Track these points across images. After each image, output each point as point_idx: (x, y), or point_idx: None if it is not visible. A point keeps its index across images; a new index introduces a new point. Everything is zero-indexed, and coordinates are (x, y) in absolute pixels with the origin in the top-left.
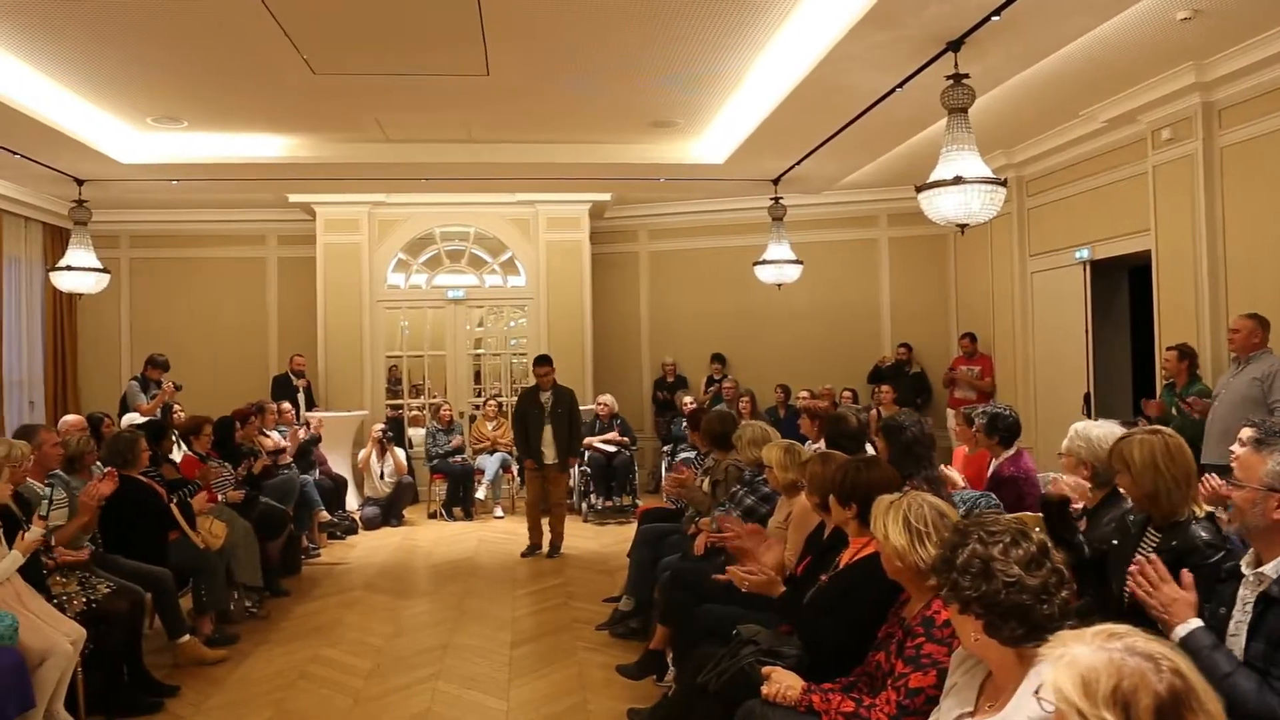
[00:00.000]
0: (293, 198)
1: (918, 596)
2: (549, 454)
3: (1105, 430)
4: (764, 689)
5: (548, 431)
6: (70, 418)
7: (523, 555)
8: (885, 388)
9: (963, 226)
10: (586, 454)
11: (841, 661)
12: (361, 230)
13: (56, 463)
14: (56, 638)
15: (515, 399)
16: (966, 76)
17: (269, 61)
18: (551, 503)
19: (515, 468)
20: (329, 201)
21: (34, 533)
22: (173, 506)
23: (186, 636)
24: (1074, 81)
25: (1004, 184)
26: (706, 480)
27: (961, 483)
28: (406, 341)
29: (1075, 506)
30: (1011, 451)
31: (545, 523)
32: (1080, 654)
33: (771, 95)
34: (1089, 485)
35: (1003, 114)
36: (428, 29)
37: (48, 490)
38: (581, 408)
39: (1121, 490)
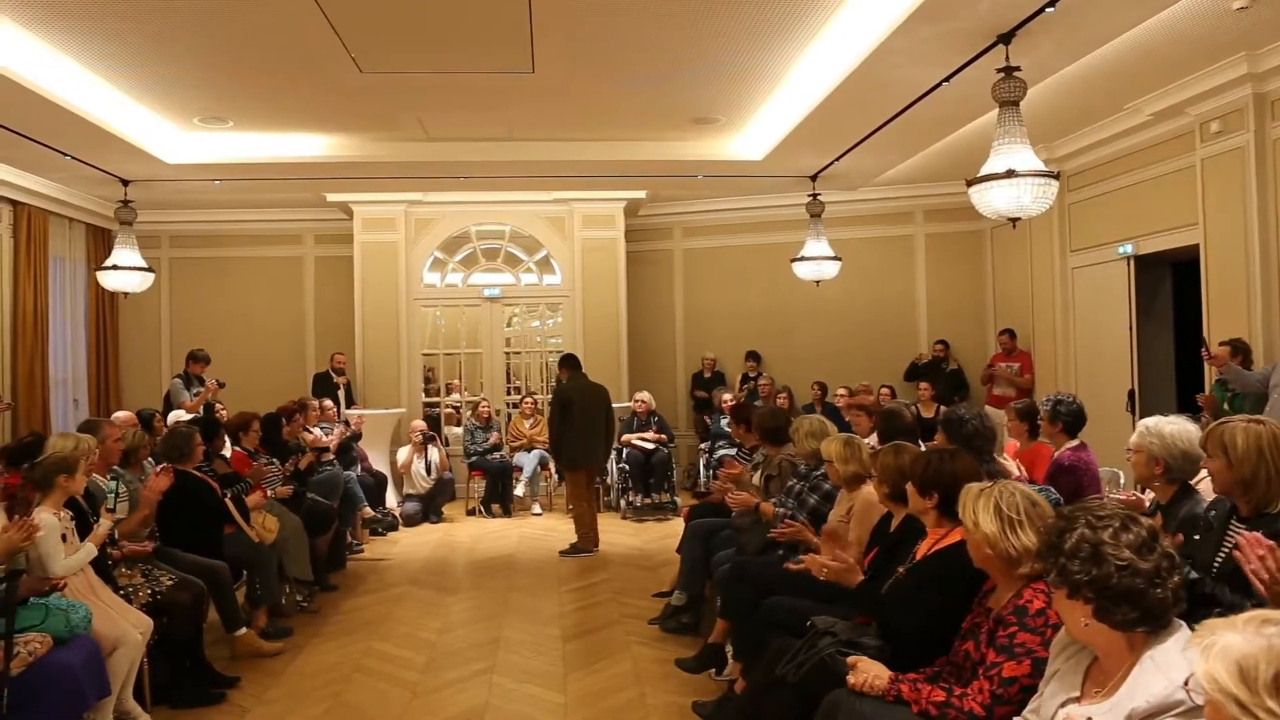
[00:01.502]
0: (330, 197)
1: (1006, 585)
2: None
3: (1178, 427)
4: (850, 679)
5: None
6: (122, 414)
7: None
8: (924, 385)
9: (1014, 220)
10: (625, 451)
11: (923, 651)
12: (398, 229)
13: (118, 458)
14: (126, 627)
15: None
16: (1018, 69)
17: (317, 61)
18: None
19: (553, 465)
20: (366, 200)
21: (103, 525)
22: (227, 501)
23: (243, 629)
24: (1119, 74)
25: (1056, 177)
26: (758, 475)
27: (1017, 473)
28: (442, 339)
29: (1145, 499)
30: (1075, 442)
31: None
32: (1233, 641)
33: (815, 91)
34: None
35: (1045, 108)
36: (477, 26)
37: (111, 484)
38: (618, 405)
39: (1210, 474)
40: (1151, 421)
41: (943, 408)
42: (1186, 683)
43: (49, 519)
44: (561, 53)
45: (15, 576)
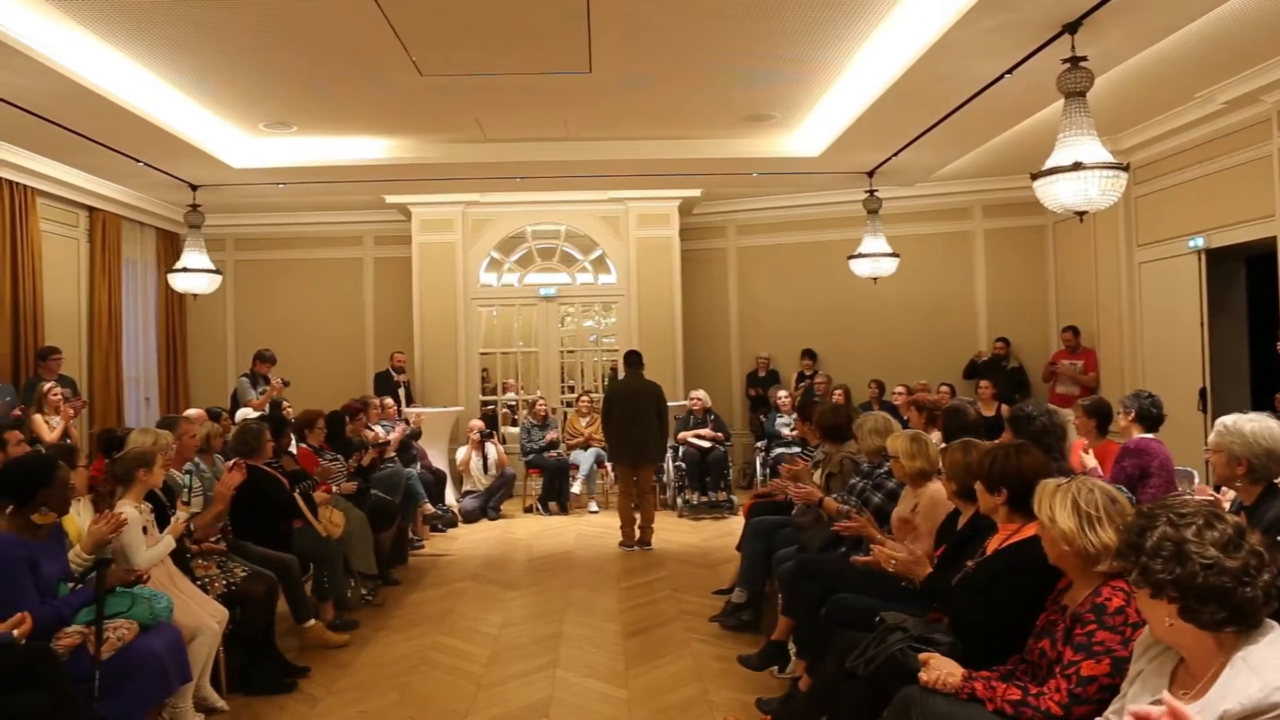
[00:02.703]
0: (389, 199)
1: (1082, 583)
2: None
3: (1259, 425)
4: (922, 675)
5: None
6: (193, 411)
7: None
8: (984, 383)
9: (1080, 214)
10: (681, 449)
11: (995, 648)
12: (455, 230)
13: (194, 452)
14: (204, 617)
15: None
16: (1084, 59)
17: (378, 65)
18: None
19: (609, 463)
20: (424, 202)
21: (180, 517)
22: (296, 496)
23: (312, 621)
24: (1190, 62)
25: (1126, 169)
26: (819, 473)
27: (1093, 464)
28: (498, 338)
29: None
30: (1149, 436)
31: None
32: None
33: (873, 86)
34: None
35: (1110, 98)
36: (535, 27)
37: (186, 478)
38: (674, 403)
39: None
40: (1230, 420)
41: (1004, 406)
42: None
43: (131, 512)
44: (618, 52)
45: (105, 565)
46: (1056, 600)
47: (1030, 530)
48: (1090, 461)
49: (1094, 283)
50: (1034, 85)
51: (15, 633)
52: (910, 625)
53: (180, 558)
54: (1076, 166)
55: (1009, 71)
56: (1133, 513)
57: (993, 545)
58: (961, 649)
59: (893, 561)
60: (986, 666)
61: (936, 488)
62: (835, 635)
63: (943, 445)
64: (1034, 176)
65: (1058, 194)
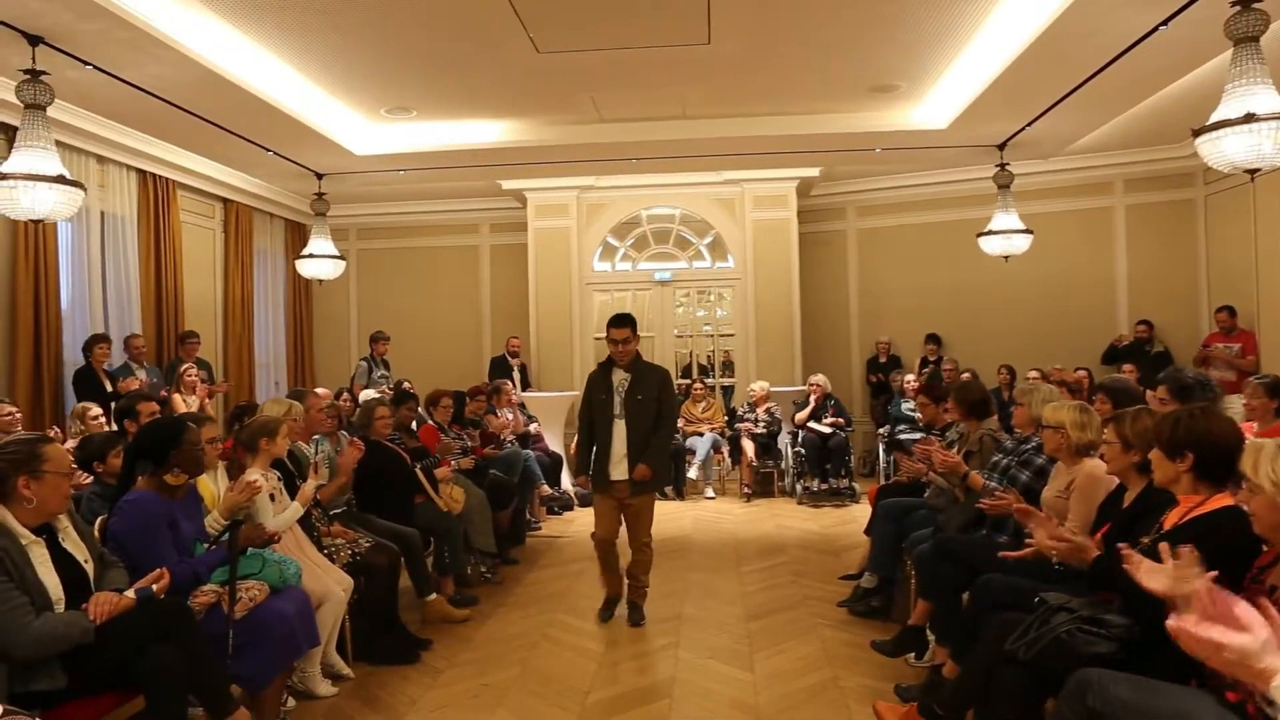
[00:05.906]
0: (505, 185)
1: None
2: (617, 468)
3: None
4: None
5: (619, 430)
6: (320, 390)
7: (600, 618)
8: (1128, 367)
9: (1252, 172)
10: (801, 434)
11: None
12: (570, 214)
13: (319, 427)
14: (330, 584)
15: (717, 381)
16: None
17: (496, 43)
18: (631, 541)
19: (726, 449)
20: (539, 187)
21: (308, 485)
22: (418, 471)
23: (433, 595)
24: None
25: None
26: (954, 452)
27: None
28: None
29: None
30: None
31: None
32: None
33: (1009, 47)
34: None
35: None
36: None
37: (311, 449)
38: (792, 388)
39: None
40: None
41: (1148, 392)
42: None
43: (259, 479)
44: (738, 21)
45: (237, 526)
46: (1257, 577)
47: (1218, 502)
48: None
49: (1253, 258)
50: (1192, 36)
51: (155, 587)
52: (1076, 605)
53: (307, 526)
54: (1249, 118)
55: (1165, 22)
56: None
57: (1171, 519)
58: (1138, 631)
59: (1055, 552)
60: (1167, 651)
61: (1095, 464)
62: (986, 618)
63: (1109, 416)
64: (1196, 132)
65: (1225, 150)
